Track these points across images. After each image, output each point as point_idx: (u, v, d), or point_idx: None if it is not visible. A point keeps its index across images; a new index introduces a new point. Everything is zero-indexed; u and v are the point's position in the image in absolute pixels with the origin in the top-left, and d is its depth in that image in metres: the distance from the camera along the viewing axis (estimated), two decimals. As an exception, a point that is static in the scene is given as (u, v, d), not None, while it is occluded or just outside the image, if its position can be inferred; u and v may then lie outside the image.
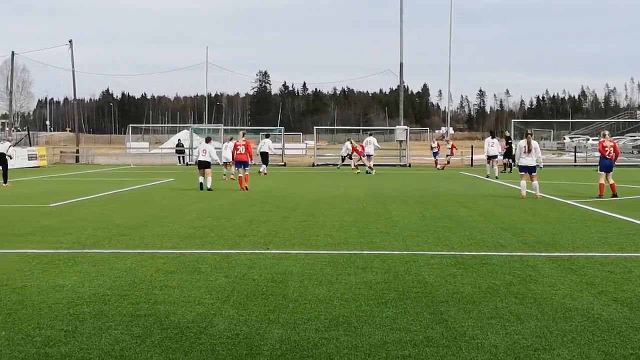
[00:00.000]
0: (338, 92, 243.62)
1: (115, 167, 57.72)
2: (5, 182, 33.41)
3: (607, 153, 25.81)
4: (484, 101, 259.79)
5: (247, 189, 30.90)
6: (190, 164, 63.32)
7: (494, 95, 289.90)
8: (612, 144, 26.12)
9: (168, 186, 33.21)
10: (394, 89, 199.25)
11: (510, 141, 47.66)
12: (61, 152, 74.15)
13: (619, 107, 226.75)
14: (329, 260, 12.87)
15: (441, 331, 8.19)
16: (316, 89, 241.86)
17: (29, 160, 57.02)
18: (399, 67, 70.52)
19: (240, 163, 32.05)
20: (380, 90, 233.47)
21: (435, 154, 56.89)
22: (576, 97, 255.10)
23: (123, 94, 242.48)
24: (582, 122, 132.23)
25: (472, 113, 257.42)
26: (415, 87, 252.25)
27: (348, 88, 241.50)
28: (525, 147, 26.18)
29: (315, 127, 74.63)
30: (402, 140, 63.98)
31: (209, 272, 11.66)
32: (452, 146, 56.38)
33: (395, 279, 11.16)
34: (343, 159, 53.58)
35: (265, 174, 44.14)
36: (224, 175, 38.24)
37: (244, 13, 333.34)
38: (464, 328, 8.31)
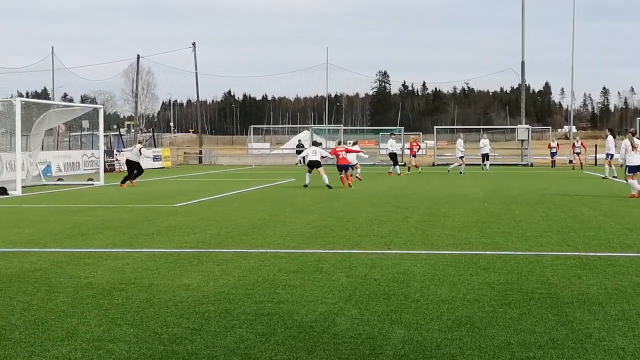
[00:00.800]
0: (458, 91, 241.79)
1: (237, 168, 58.54)
2: (132, 179, 34.54)
3: None
4: (607, 99, 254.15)
5: (350, 186, 32.73)
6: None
7: (618, 93, 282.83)
8: None
9: (289, 186, 33.51)
10: (515, 88, 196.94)
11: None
12: (185, 153, 75.59)
13: None
14: (451, 260, 12.81)
15: (566, 333, 8.06)
16: (436, 89, 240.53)
17: (153, 161, 58.29)
18: (520, 65, 69.64)
19: (342, 167, 33.96)
20: (501, 89, 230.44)
21: (553, 154, 55.83)
22: None
23: (244, 95, 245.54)
24: None
25: (595, 111, 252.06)
26: (536, 86, 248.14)
27: (468, 87, 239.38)
28: (629, 145, 25.67)
29: (435, 127, 74.19)
30: (523, 140, 63.17)
31: (331, 272, 11.73)
32: (582, 145, 54.68)
33: (519, 279, 11.03)
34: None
35: (399, 174, 43.93)
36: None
37: (364, 13, 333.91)
38: (590, 330, 8.17)
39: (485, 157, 52.05)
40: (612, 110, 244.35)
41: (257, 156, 71.49)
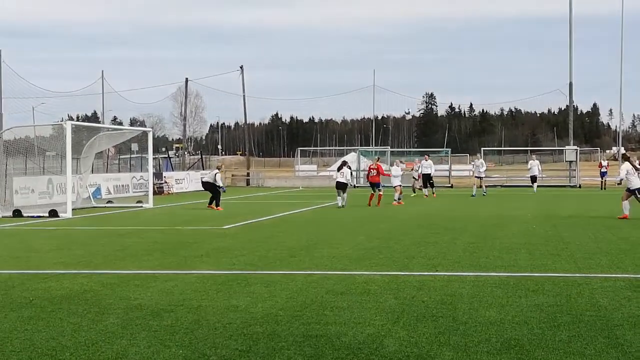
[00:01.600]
0: (505, 113, 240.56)
1: (285, 190, 58.69)
2: (217, 205, 34.05)
3: None
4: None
5: (378, 205, 33.97)
6: (357, 186, 63.74)
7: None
8: None
9: (336, 208, 33.54)
10: (562, 109, 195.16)
11: None
12: (232, 175, 75.91)
13: None
14: (499, 282, 12.75)
15: (617, 356, 7.99)
16: (483, 110, 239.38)
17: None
18: (568, 86, 69.23)
19: (374, 185, 35.41)
20: (549, 110, 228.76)
21: (603, 174, 55.11)
22: None
23: (291, 117, 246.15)
24: None
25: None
26: (584, 107, 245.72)
27: (515, 108, 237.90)
28: (631, 169, 25.70)
29: (482, 148, 73.86)
30: (571, 161, 62.71)
31: (378, 294, 11.72)
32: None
33: (568, 302, 10.95)
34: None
35: (426, 195, 43.41)
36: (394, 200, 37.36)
37: (410, 35, 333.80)
38: (641, 353, 8.09)
39: (533, 178, 51.50)
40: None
41: (304, 178, 71.62)
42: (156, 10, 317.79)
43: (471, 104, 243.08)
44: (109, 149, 52.12)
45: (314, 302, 11.03)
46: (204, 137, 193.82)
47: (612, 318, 9.83)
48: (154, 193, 41.59)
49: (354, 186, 63.13)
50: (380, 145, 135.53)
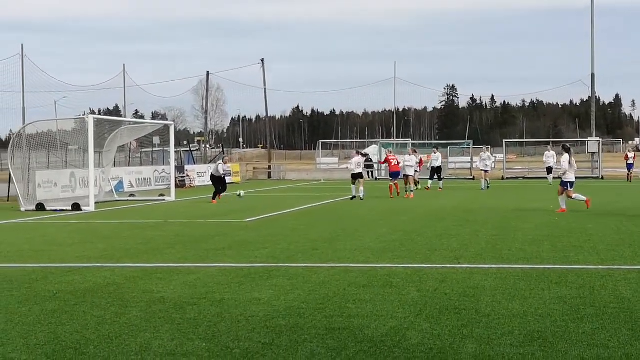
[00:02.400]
0: (527, 104, 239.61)
1: (306, 183, 58.72)
2: (213, 197, 34.25)
3: None
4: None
5: (398, 194, 35.39)
6: (379, 179, 63.64)
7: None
8: None
9: (358, 201, 33.52)
10: (585, 100, 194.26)
11: None
12: (254, 168, 75.99)
13: None
14: (522, 274, 12.71)
15: (641, 348, 7.96)
16: (504, 102, 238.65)
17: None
18: (590, 77, 68.92)
19: (393, 174, 36.22)
20: (571, 102, 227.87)
21: (630, 166, 54.31)
22: None
23: (312, 110, 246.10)
24: None
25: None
26: (607, 98, 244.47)
27: (537, 100, 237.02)
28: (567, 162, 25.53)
29: (504, 140, 73.66)
30: (594, 152, 62.42)
31: (401, 286, 11.72)
32: None
33: (591, 294, 10.91)
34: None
35: (428, 188, 42.07)
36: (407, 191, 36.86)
37: (431, 27, 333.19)
38: (666, 345, 8.05)
39: (549, 170, 50.82)
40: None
41: (326, 171, 71.61)
42: (177, 4, 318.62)
43: (492, 96, 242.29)
44: (131, 143, 52.31)
45: (336, 295, 11.04)
46: (225, 131, 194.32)
47: (636, 310, 9.79)
48: (176, 186, 41.68)
49: (376, 179, 63.19)
50: (402, 138, 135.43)
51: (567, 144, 28.45)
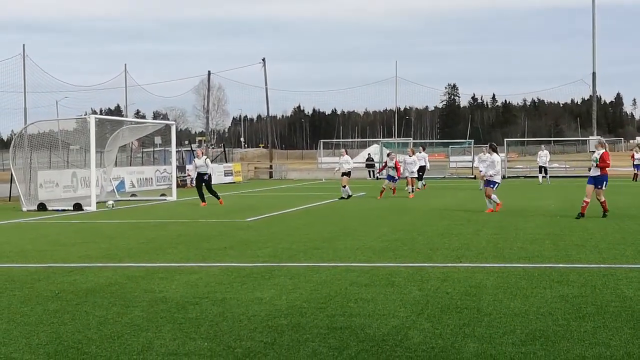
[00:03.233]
0: (528, 103, 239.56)
1: (308, 182, 58.73)
2: (202, 199, 32.00)
3: None
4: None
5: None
6: (380, 178, 63.61)
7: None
8: None
9: (359, 200, 33.53)
10: (586, 99, 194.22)
11: None
12: (255, 167, 76.02)
13: None
14: (523, 273, 12.72)
15: (642, 347, 7.97)
16: (505, 101, 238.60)
17: (225, 176, 58.75)
18: (591, 76, 68.93)
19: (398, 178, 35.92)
20: (572, 101, 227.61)
21: (637, 167, 53.02)
22: None
23: (314, 109, 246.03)
24: None
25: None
26: (608, 97, 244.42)
27: (538, 99, 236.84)
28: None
29: (505, 139, 73.69)
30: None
31: (402, 285, 11.73)
32: None
33: (593, 292, 10.92)
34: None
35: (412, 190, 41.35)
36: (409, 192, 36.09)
37: (432, 27, 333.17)
38: (667, 344, 8.06)
39: (542, 169, 50.14)
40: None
41: (327, 170, 71.59)
42: (179, 4, 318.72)
43: (494, 95, 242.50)
44: (132, 143, 52.32)
45: (338, 294, 11.05)
46: (226, 130, 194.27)
47: (637, 309, 9.80)
48: (177, 186, 41.63)
49: (377, 178, 63.19)
50: (403, 137, 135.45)
51: (494, 144, 28.27)
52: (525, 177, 60.89)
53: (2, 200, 36.22)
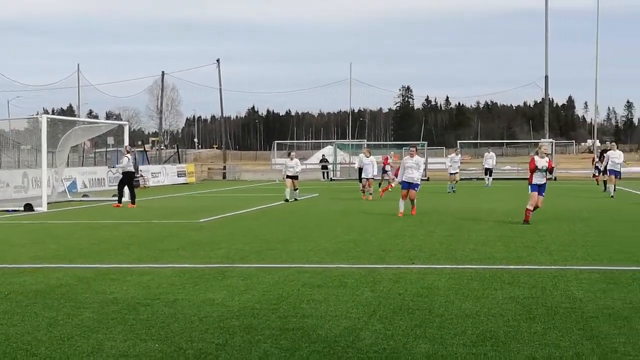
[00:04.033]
0: (481, 106, 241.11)
1: (261, 183, 58.65)
2: (132, 201, 31.87)
3: None
4: (631, 112, 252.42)
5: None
6: (334, 179, 63.77)
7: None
8: None
9: (313, 202, 33.55)
10: (538, 102, 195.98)
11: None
12: (209, 168, 75.81)
13: None
14: (475, 275, 12.79)
15: (592, 347, 8.04)
16: (459, 103, 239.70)
17: (178, 177, 58.54)
18: (544, 79, 69.55)
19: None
20: (525, 103, 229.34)
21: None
22: None
23: (268, 110, 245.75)
24: None
25: (619, 125, 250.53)
26: (560, 100, 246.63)
27: (492, 101, 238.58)
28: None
29: (458, 142, 74.06)
30: (547, 154, 63.02)
31: (354, 287, 11.74)
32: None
33: (543, 294, 11.01)
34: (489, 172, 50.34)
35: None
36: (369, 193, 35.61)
37: (387, 29, 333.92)
38: (615, 344, 8.14)
39: (488, 171, 50.17)
40: (636, 124, 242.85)
41: (281, 171, 71.58)
42: (133, 3, 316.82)
43: (447, 97, 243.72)
44: (84, 143, 51.91)
45: (290, 296, 11.04)
46: (180, 131, 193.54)
47: (587, 310, 9.89)
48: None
49: (331, 179, 63.30)
50: (357, 139, 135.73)
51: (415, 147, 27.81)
52: (477, 179, 61.25)
53: (-48, 200, 35.74)
